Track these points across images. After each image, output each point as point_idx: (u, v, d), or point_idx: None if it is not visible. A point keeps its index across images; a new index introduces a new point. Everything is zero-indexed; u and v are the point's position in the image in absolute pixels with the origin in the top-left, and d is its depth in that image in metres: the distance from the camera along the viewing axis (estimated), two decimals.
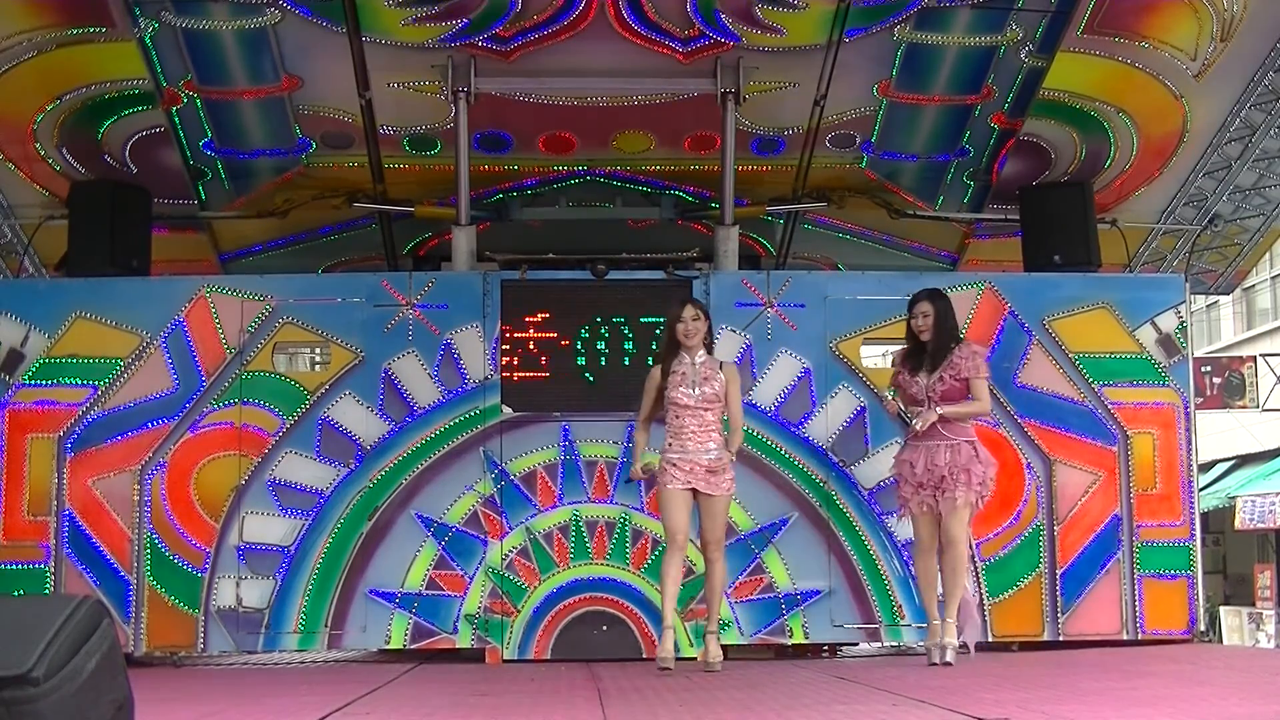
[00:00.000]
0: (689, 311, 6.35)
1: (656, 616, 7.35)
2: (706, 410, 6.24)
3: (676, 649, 7.30)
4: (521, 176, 8.88)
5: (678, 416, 6.25)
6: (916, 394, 6.37)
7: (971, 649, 6.62)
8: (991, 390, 6.65)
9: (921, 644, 6.85)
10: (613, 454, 7.50)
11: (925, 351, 6.39)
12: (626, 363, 7.57)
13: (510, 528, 7.47)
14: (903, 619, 7.48)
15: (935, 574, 6.39)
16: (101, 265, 7.89)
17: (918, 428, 6.29)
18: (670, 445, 6.28)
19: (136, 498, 7.43)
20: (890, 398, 6.48)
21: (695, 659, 7.24)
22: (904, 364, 6.50)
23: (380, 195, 8.82)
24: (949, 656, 6.17)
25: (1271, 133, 8.33)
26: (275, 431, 7.50)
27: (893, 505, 7.53)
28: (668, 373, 6.31)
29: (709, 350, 6.38)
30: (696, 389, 6.23)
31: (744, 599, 7.45)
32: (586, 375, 7.62)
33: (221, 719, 4.78)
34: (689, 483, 6.21)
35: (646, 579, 7.41)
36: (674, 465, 6.24)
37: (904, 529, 7.52)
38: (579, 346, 7.64)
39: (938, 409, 6.25)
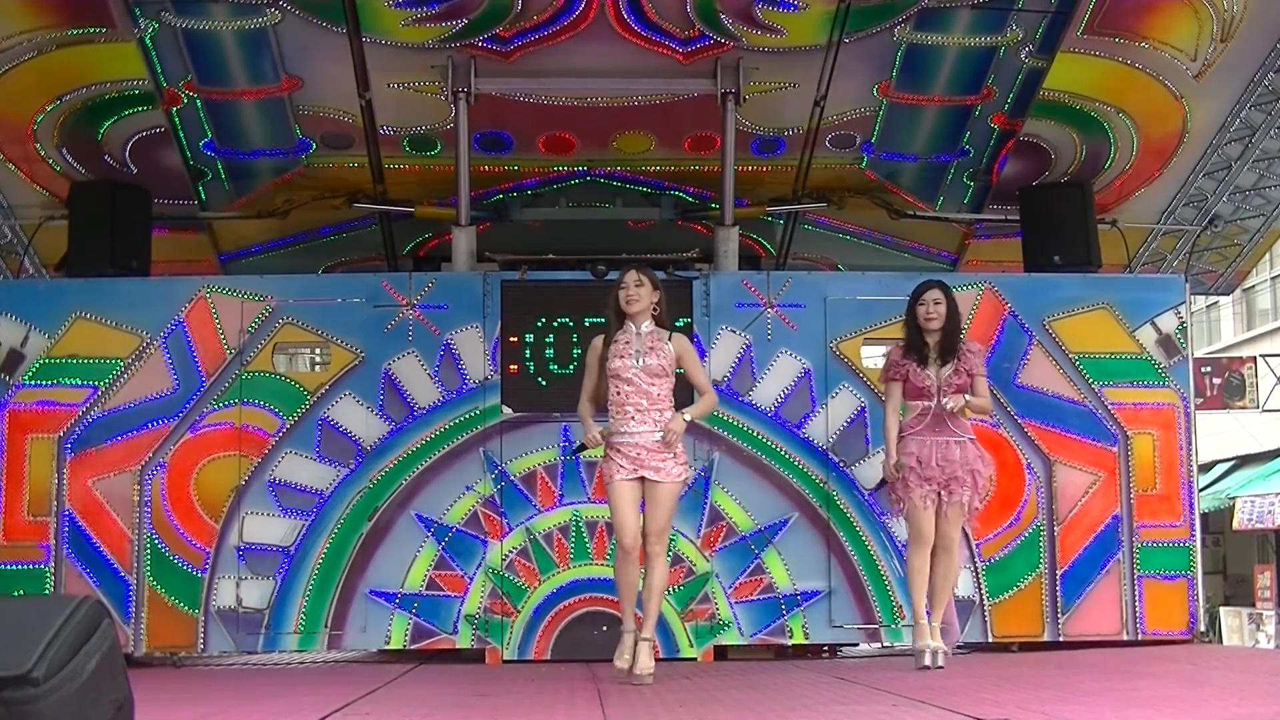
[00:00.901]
0: (631, 277, 5.82)
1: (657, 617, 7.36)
2: (652, 385, 5.68)
3: (676, 649, 7.34)
4: (521, 177, 8.88)
5: (619, 392, 5.70)
6: (929, 388, 6.12)
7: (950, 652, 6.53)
8: (991, 390, 6.62)
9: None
10: None
11: (927, 344, 6.19)
12: None
13: (510, 528, 7.46)
14: (903, 619, 7.47)
15: (927, 570, 6.16)
16: (101, 265, 7.89)
17: (950, 408, 6.03)
18: (613, 425, 5.76)
19: (136, 498, 7.43)
20: (895, 467, 6.14)
21: (695, 659, 7.27)
22: (907, 356, 6.24)
23: (380, 196, 8.82)
24: (941, 660, 6.00)
25: (1271, 133, 8.33)
26: (275, 432, 7.50)
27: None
28: (610, 342, 5.80)
29: (659, 324, 5.83)
30: (640, 359, 5.68)
31: (744, 599, 7.45)
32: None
33: (222, 719, 4.78)
34: (635, 472, 5.66)
35: None
36: (618, 451, 5.68)
37: (904, 529, 7.52)
38: (579, 347, 7.63)
39: (965, 396, 6.06)
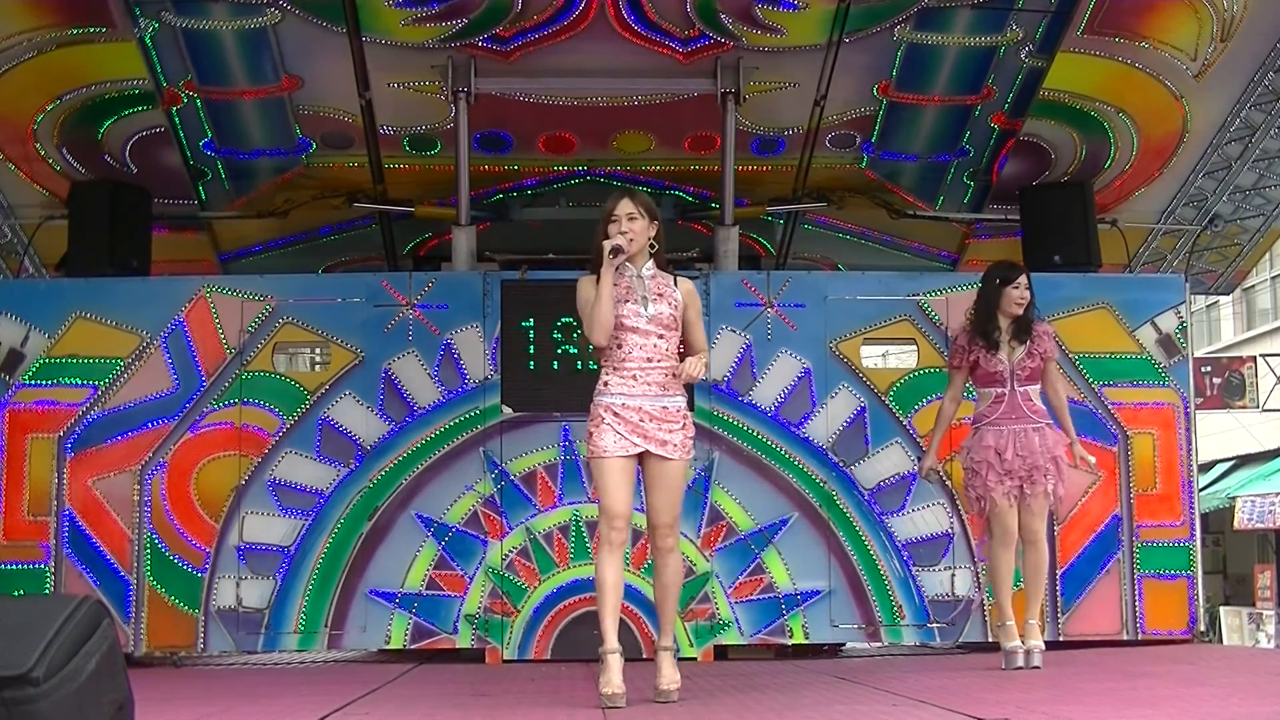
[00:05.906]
0: (623, 207, 4.79)
1: (657, 616, 7.35)
2: (660, 337, 4.79)
3: (676, 649, 7.31)
4: (521, 176, 8.89)
5: (621, 345, 4.77)
6: (1002, 373, 5.98)
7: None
8: None
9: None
10: None
11: (999, 327, 5.99)
12: None
13: (510, 528, 7.46)
14: (903, 619, 7.48)
15: (1013, 569, 5.99)
16: (101, 265, 7.89)
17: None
18: (609, 385, 4.78)
19: (136, 498, 7.42)
20: (932, 467, 6.23)
21: (695, 659, 7.25)
22: (974, 340, 6.04)
23: (380, 195, 8.82)
24: (1038, 659, 5.82)
25: (1271, 133, 8.32)
26: (275, 431, 7.50)
27: (894, 506, 7.54)
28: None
29: (660, 266, 4.92)
30: (648, 306, 4.78)
31: (744, 599, 7.45)
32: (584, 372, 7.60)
33: (222, 719, 4.78)
34: (635, 445, 4.70)
35: (647, 579, 7.39)
36: (615, 415, 4.71)
37: (904, 529, 7.53)
38: (578, 347, 7.63)
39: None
